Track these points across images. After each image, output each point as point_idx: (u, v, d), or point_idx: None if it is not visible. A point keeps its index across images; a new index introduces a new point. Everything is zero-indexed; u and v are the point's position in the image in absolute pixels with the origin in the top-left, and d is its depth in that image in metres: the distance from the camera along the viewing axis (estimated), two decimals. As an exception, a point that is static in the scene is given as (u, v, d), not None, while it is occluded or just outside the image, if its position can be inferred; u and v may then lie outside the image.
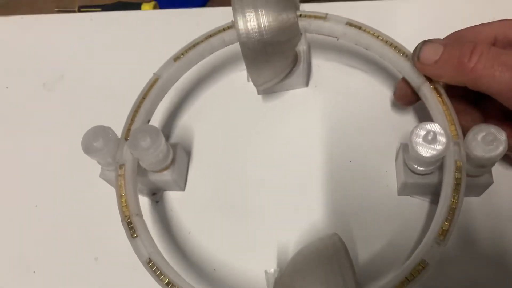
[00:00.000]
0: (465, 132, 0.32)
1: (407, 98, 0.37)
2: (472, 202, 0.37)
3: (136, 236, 0.32)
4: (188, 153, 0.42)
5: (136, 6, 1.01)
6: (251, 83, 0.39)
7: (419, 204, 0.37)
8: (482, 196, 0.37)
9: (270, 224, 0.38)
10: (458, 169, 0.31)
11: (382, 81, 0.43)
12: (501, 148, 0.31)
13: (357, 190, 0.39)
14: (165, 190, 0.40)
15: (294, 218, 0.38)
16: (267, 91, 0.44)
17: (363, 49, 0.38)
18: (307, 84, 0.44)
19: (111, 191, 0.35)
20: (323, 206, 0.38)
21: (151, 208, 0.40)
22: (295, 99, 0.44)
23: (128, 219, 0.33)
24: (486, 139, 0.31)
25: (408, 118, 0.41)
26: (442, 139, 0.31)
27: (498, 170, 0.37)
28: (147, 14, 0.55)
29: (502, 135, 0.31)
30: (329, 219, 0.38)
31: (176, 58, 0.38)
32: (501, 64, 0.30)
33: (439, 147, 0.31)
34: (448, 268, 0.35)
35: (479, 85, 0.31)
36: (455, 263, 0.35)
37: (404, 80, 0.36)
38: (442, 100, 0.33)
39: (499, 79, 0.30)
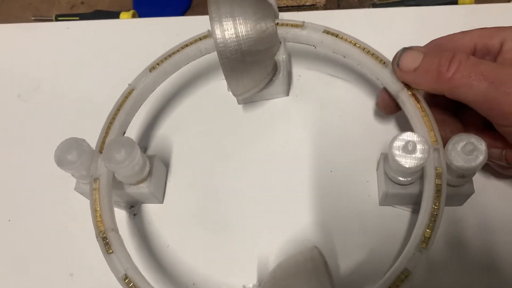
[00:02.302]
0: (444, 142, 0.32)
1: (390, 108, 0.37)
2: (454, 212, 0.36)
3: (112, 252, 0.31)
4: (167, 165, 0.41)
5: (115, 15, 1.00)
6: (231, 93, 0.39)
7: (400, 214, 0.37)
8: (464, 206, 0.37)
9: (251, 236, 0.37)
10: (438, 176, 0.31)
11: (363, 90, 0.43)
12: (481, 158, 0.30)
13: (338, 201, 0.38)
14: (143, 202, 0.39)
15: (275, 230, 0.37)
16: (248, 100, 0.43)
17: (343, 58, 0.37)
18: (287, 93, 0.44)
19: (87, 205, 0.33)
20: (304, 217, 0.37)
21: (129, 222, 0.39)
22: (276, 108, 0.43)
23: (103, 235, 0.32)
24: (466, 149, 0.30)
25: (389, 127, 0.41)
26: (421, 147, 0.30)
27: (479, 179, 0.37)
28: (126, 23, 0.54)
29: (482, 145, 0.30)
30: (311, 230, 0.37)
31: (152, 68, 0.37)
32: (479, 73, 0.29)
33: (419, 155, 0.30)
34: (435, 278, 0.34)
35: (457, 95, 0.31)
36: (441, 273, 0.35)
37: (385, 91, 0.36)
38: (420, 107, 0.33)
39: (476, 88, 0.29)
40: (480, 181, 0.37)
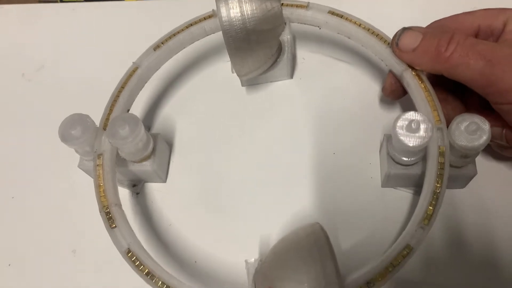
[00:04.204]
0: (446, 122, 0.32)
1: (397, 92, 0.37)
2: (456, 195, 0.36)
3: (115, 226, 0.31)
4: (170, 144, 0.41)
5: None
6: (235, 75, 0.39)
7: (402, 196, 0.37)
8: (466, 188, 0.37)
9: (253, 215, 0.38)
10: (441, 154, 0.31)
11: (366, 73, 0.43)
12: (484, 138, 0.30)
13: (341, 182, 0.38)
14: (146, 181, 0.40)
15: (277, 209, 0.37)
16: (251, 82, 0.43)
17: (348, 42, 0.38)
18: (291, 76, 0.44)
19: (90, 182, 0.34)
20: (306, 198, 0.38)
21: (132, 200, 0.39)
22: (280, 91, 0.43)
23: (106, 209, 0.32)
24: (470, 129, 0.30)
25: (392, 109, 0.41)
26: (425, 126, 0.30)
27: (481, 162, 0.37)
28: (130, 4, 0.54)
29: (485, 125, 0.30)
30: (313, 210, 0.37)
31: (156, 47, 0.38)
32: (476, 53, 0.30)
33: (422, 134, 0.30)
34: (434, 261, 0.35)
35: (455, 74, 0.31)
36: (441, 256, 0.35)
37: (392, 75, 0.36)
38: (424, 87, 0.33)
39: (473, 67, 0.30)
40: (482, 164, 0.37)
